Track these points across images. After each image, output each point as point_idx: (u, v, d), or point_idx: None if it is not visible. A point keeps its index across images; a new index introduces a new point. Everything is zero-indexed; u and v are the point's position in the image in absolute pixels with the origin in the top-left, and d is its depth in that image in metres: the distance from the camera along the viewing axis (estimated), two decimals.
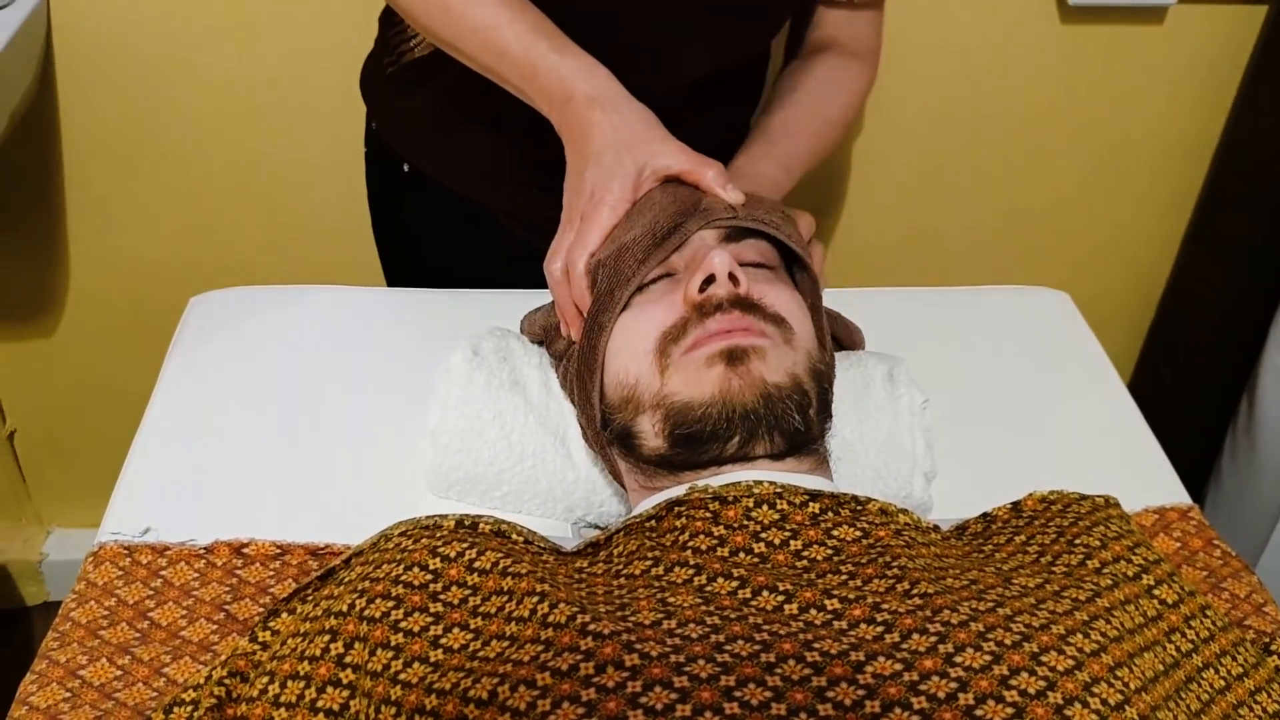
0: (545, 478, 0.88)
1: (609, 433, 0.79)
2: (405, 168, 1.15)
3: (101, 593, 0.82)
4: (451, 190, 1.14)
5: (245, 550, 0.85)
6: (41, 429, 1.72)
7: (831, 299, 0.97)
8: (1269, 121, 1.50)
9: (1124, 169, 1.60)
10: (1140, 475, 0.99)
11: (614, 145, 0.84)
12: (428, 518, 0.70)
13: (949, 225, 1.63)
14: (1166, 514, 0.94)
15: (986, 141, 1.55)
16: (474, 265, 1.15)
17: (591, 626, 0.57)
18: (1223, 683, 0.65)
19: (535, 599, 0.60)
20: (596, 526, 0.90)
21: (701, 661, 0.55)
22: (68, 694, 0.74)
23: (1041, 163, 1.58)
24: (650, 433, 0.75)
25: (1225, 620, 0.70)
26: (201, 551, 0.85)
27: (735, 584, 0.62)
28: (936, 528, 0.72)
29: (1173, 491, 0.97)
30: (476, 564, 0.64)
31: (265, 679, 0.64)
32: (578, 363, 0.84)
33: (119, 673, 0.75)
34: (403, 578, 0.64)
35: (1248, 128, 1.52)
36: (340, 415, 0.97)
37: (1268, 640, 0.78)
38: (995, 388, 1.05)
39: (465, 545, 0.66)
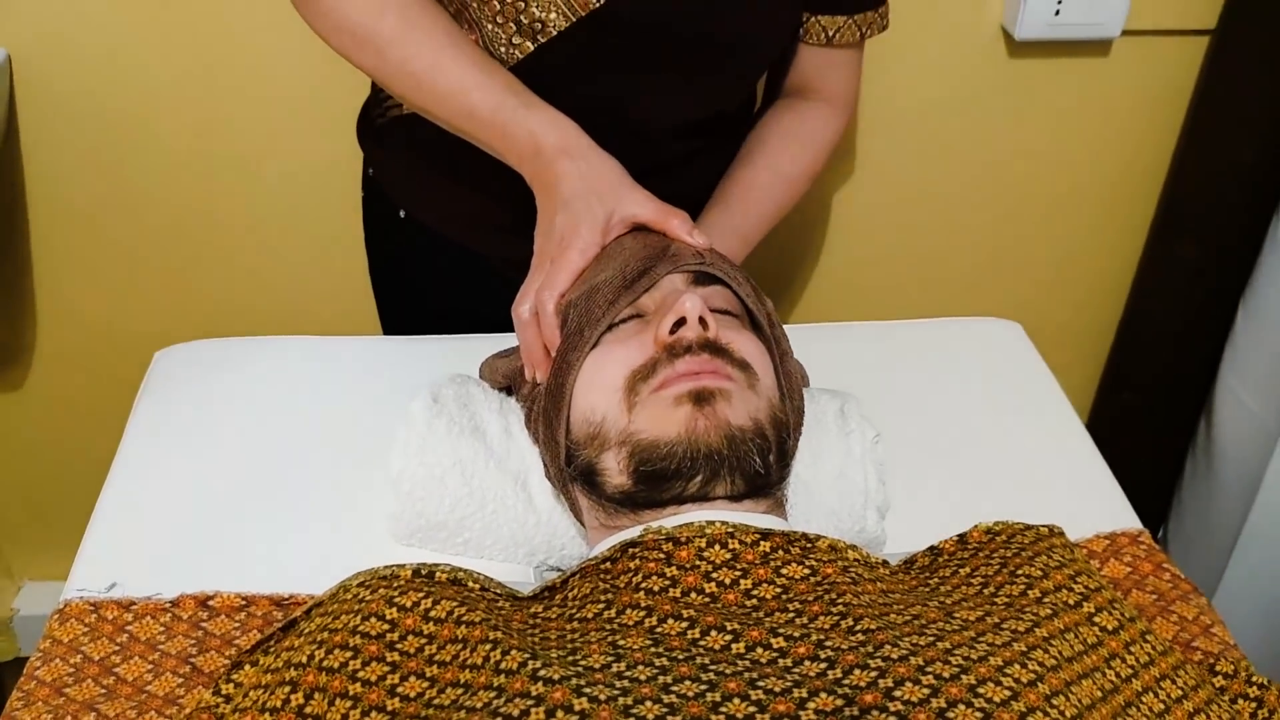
0: (507, 523, 0.89)
1: (573, 469, 0.81)
2: (402, 214, 1.17)
3: (67, 650, 0.82)
4: (448, 237, 1.16)
5: (210, 603, 0.86)
6: (11, 483, 1.72)
7: None
8: (1216, 148, 1.54)
9: (1076, 199, 1.63)
10: (1092, 502, 1.01)
11: (583, 192, 0.87)
12: (385, 568, 0.71)
13: (900, 259, 1.66)
14: (1117, 539, 0.96)
15: (937, 175, 1.58)
16: (473, 310, 1.16)
17: (542, 672, 0.58)
18: (1162, 706, 0.67)
19: (488, 646, 0.62)
20: (558, 569, 0.92)
21: (649, 703, 0.56)
22: None
23: (993, 195, 1.61)
24: (615, 469, 0.77)
25: (1166, 644, 0.72)
26: (167, 605, 0.85)
27: (685, 624, 0.63)
28: (885, 562, 0.74)
29: (1123, 517, 0.99)
30: (432, 613, 0.66)
31: None
32: (544, 400, 0.85)
33: None
34: (360, 628, 0.66)
35: (1196, 155, 1.56)
36: (304, 465, 0.98)
37: (1213, 661, 0.80)
38: (948, 420, 1.07)
39: (421, 595, 0.67)
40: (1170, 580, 0.92)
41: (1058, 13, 1.42)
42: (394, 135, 1.11)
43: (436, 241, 1.16)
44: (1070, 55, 1.50)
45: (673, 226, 0.86)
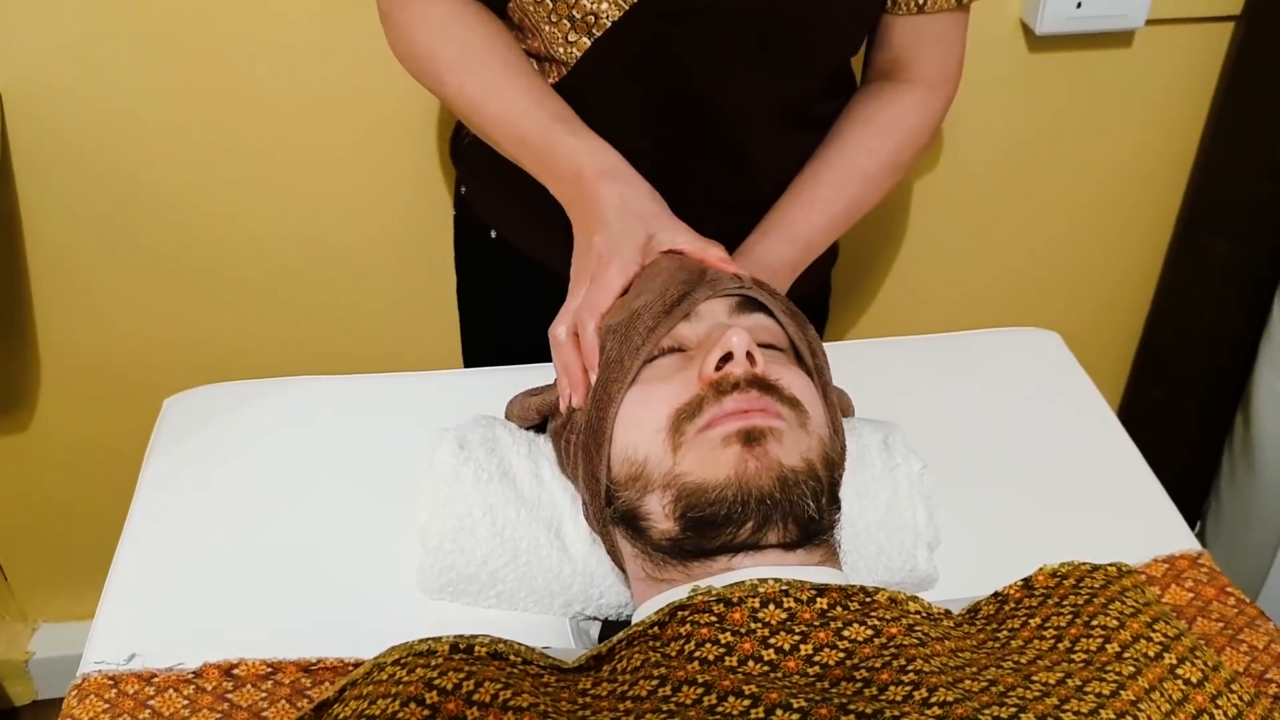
0: (541, 574, 0.85)
1: (613, 511, 0.77)
2: (493, 234, 1.17)
3: None
4: (537, 259, 1.13)
5: (235, 671, 0.82)
6: (21, 525, 1.69)
7: None
8: (1243, 137, 1.50)
9: (1101, 194, 1.59)
10: (1146, 523, 0.96)
11: (623, 213, 0.85)
12: (421, 642, 0.67)
13: (920, 259, 1.62)
14: (1177, 562, 0.92)
15: (956, 174, 1.54)
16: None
17: None
18: None
19: None
20: (595, 619, 0.88)
21: None
22: None
23: (1015, 193, 1.57)
24: (660, 514, 0.73)
25: (1252, 692, 0.68)
26: (190, 676, 0.81)
27: (747, 703, 0.59)
28: (948, 613, 0.70)
29: (1180, 538, 0.95)
30: (475, 696, 0.62)
31: None
32: (584, 434, 0.81)
33: None
34: (399, 715, 0.61)
35: (1223, 145, 1.52)
36: (328, 516, 0.94)
37: None
38: (992, 439, 1.03)
39: (462, 676, 0.63)
40: (1235, 605, 0.88)
41: (1079, 5, 1.38)
42: (479, 153, 1.08)
43: (526, 263, 1.14)
44: (1092, 48, 1.46)
45: (710, 259, 0.83)
